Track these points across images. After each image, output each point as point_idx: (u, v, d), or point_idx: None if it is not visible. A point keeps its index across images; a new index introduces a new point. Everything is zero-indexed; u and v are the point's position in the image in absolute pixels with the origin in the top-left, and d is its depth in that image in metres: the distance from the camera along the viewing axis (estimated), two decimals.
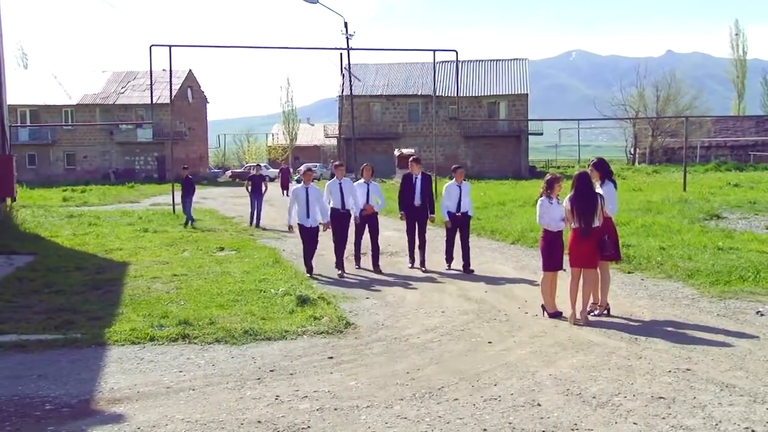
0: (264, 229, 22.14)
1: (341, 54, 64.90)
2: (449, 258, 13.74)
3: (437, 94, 63.20)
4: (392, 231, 19.40)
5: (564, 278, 10.24)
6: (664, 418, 6.00)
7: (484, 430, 5.81)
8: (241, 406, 6.46)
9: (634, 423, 5.90)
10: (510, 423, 5.95)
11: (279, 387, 6.99)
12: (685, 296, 10.86)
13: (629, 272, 12.94)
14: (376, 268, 13.78)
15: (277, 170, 47.59)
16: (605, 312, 9.83)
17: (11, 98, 43.27)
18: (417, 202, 13.90)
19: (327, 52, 74.96)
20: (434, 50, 34.73)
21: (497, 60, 71.37)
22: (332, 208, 13.60)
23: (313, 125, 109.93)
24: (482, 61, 71.25)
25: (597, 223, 9.45)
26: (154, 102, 43.78)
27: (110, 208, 32.28)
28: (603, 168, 10.06)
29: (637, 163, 72.02)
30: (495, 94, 66.95)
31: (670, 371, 7.25)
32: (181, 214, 24.43)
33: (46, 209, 29.35)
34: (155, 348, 8.41)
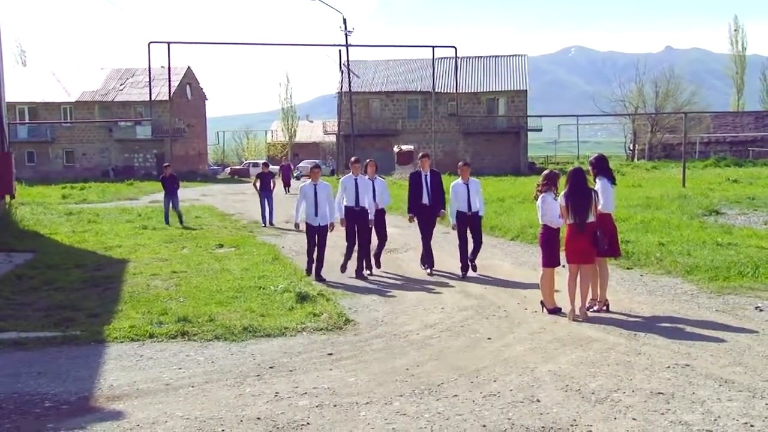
0: (276, 227, 21.99)
1: (340, 50, 64.77)
2: (465, 265, 12.76)
3: (436, 90, 63.11)
4: (392, 228, 19.39)
5: (563, 275, 10.23)
6: (663, 413, 6.00)
7: (484, 426, 5.81)
8: (240, 403, 6.46)
9: (633, 419, 5.90)
10: (509, 419, 5.95)
11: (278, 384, 6.99)
12: (684, 292, 10.87)
13: (628, 268, 12.95)
14: (376, 262, 13.58)
15: (277, 168, 47.59)
16: (604, 308, 9.84)
17: (10, 96, 43.24)
18: (427, 201, 13.17)
19: (326, 48, 75.00)
20: (433, 46, 34.68)
21: (496, 56, 71.30)
22: (347, 206, 13.02)
23: (312, 122, 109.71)
24: (481, 57, 71.17)
25: (592, 218, 9.46)
26: (152, 99, 43.73)
27: (109, 205, 32.26)
28: (599, 164, 10.08)
29: (636, 159, 71.99)
30: (494, 90, 66.88)
31: (669, 367, 7.25)
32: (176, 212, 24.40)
33: (45, 206, 29.34)
34: (154, 345, 8.41)
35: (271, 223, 22.80)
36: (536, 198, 10.01)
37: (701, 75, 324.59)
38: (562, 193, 9.55)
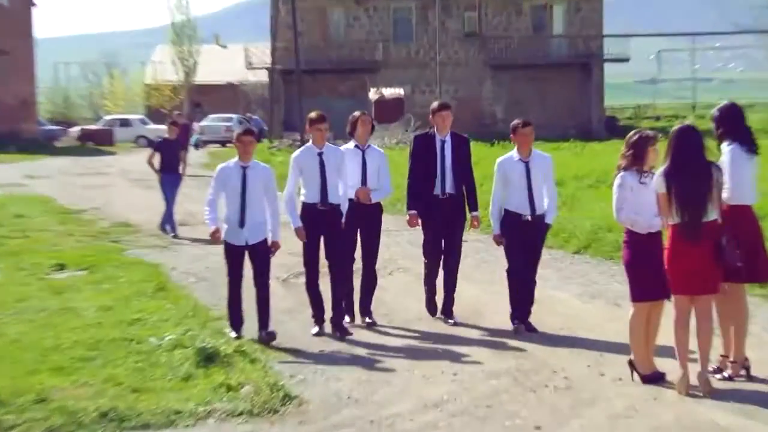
0: (176, 237, 21.72)
1: None
2: (515, 308, 12.45)
3: None
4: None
5: (670, 314, 10.26)
6: None
7: None
8: None
9: None
10: None
11: None
12: None
13: None
14: (366, 313, 13.08)
15: (156, 127, 47.09)
16: (742, 372, 9.87)
17: None
18: (444, 189, 12.89)
19: None
20: None
21: None
22: (305, 204, 12.50)
23: (225, 47, 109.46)
24: None
25: (714, 215, 9.49)
26: None
27: None
28: (728, 120, 10.10)
29: None
30: None
31: None
32: None
33: None
34: None
35: (172, 230, 22.10)
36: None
37: None
38: (660, 170, 9.54)
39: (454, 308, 13.09)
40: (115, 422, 8.77)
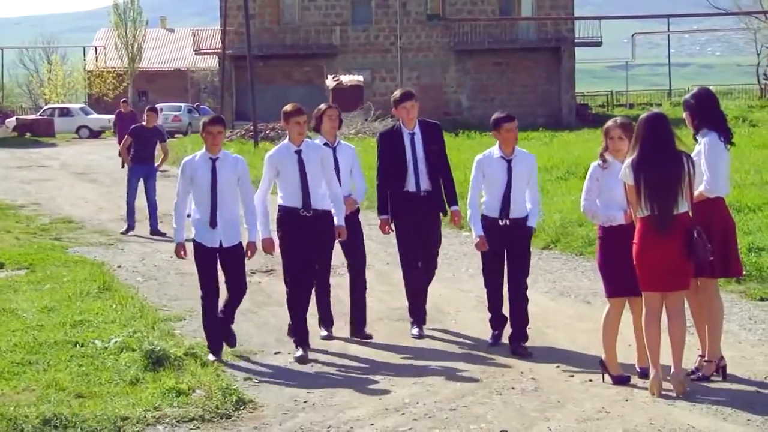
0: (161, 234, 21.43)
1: None
2: (496, 319, 11.94)
3: None
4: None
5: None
6: None
7: None
8: None
9: None
10: None
11: None
12: None
13: (762, 298, 13.18)
14: (360, 332, 12.38)
15: (112, 117, 46.60)
16: (716, 372, 9.96)
17: None
18: (418, 186, 12.34)
19: None
20: None
21: None
22: (283, 207, 11.75)
23: (172, 31, 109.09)
24: None
25: (684, 207, 9.56)
26: None
27: None
28: (701, 107, 10.14)
29: None
30: None
31: None
32: None
33: None
34: None
35: (155, 229, 21.69)
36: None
37: None
38: (628, 161, 9.62)
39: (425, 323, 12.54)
40: (58, 429, 8.76)
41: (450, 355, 11.32)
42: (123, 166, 37.47)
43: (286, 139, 11.91)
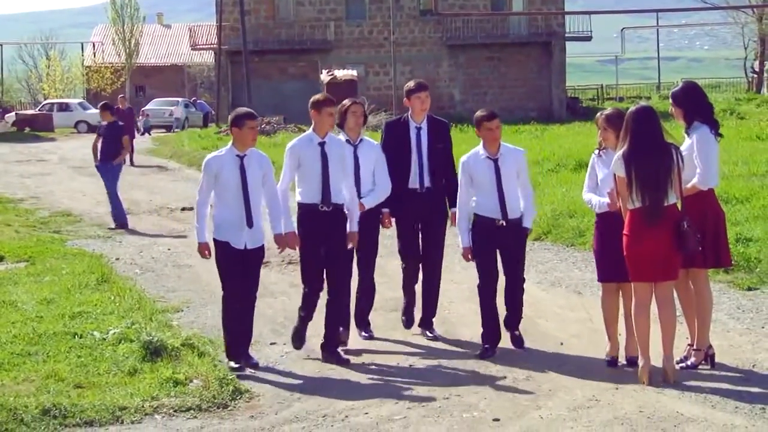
0: (112, 229, 21.41)
1: None
2: (489, 333, 11.19)
3: None
4: None
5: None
6: None
7: None
8: None
9: None
10: None
11: None
12: None
13: (750, 288, 13.20)
14: (364, 326, 11.95)
15: (97, 112, 46.16)
16: (705, 360, 9.98)
17: None
18: (422, 182, 11.85)
19: None
20: None
21: None
22: (302, 205, 11.17)
23: (168, 27, 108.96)
24: None
25: (673, 198, 9.58)
26: None
27: None
28: (689, 99, 10.13)
29: (765, 90, 72.98)
30: None
31: None
32: None
33: None
34: None
35: (123, 223, 21.53)
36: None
37: None
38: (619, 153, 9.64)
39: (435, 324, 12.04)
40: (57, 419, 8.78)
41: (443, 346, 11.34)
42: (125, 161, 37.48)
43: (310, 130, 11.18)
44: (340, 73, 56.56)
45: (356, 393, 9.67)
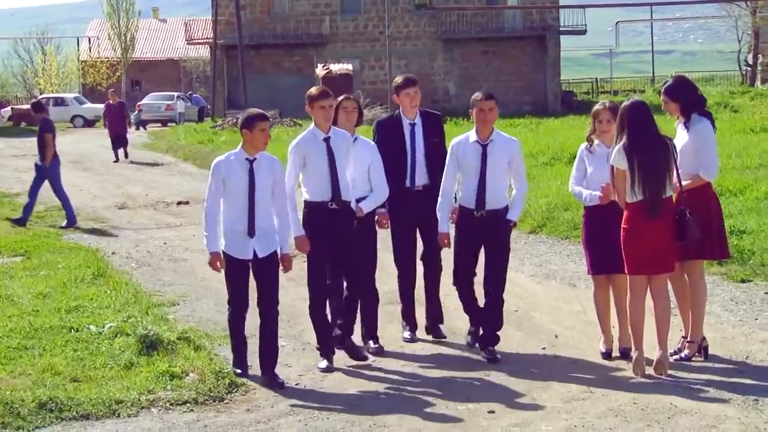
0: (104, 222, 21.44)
1: None
2: (473, 317, 10.96)
3: None
4: None
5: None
6: None
7: None
8: None
9: None
10: None
11: None
12: None
13: (743, 280, 13.22)
14: (371, 338, 11.04)
15: (102, 107, 46.11)
16: (698, 352, 10.01)
17: None
18: (417, 181, 11.34)
19: None
20: None
21: None
22: (310, 203, 10.54)
23: (164, 22, 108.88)
24: None
25: (670, 191, 9.61)
26: None
27: None
28: (685, 94, 10.12)
29: (759, 83, 72.91)
30: None
31: None
32: None
33: None
34: None
35: (73, 222, 21.30)
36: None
37: None
38: (619, 146, 9.62)
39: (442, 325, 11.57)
40: (54, 412, 8.81)
41: (438, 338, 11.33)
42: (115, 156, 37.39)
43: (312, 126, 10.59)
44: (336, 68, 56.43)
45: (352, 385, 9.70)
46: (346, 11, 67.79)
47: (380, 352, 10.83)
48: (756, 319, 11.42)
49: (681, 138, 9.97)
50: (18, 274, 15.09)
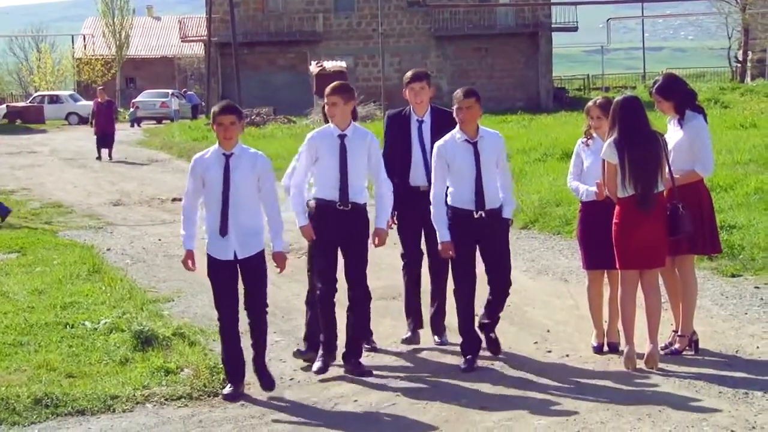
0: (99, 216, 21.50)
1: None
2: (469, 341, 10.17)
3: None
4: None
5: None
6: None
7: None
8: None
9: None
10: None
11: None
12: None
13: (734, 275, 13.24)
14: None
15: (85, 104, 45.51)
16: (689, 346, 10.02)
17: None
18: (421, 180, 10.78)
19: None
20: None
21: None
22: (318, 200, 10.07)
23: (158, 19, 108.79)
24: None
25: (661, 186, 9.62)
26: None
27: None
28: (677, 92, 10.12)
29: (749, 80, 73.01)
30: None
31: None
32: None
33: None
34: None
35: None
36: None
37: None
38: (610, 140, 9.63)
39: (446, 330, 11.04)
40: (49, 408, 8.82)
41: (430, 334, 11.20)
42: (98, 155, 36.99)
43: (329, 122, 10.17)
44: (329, 65, 56.42)
45: (345, 380, 9.69)
46: (339, 9, 67.79)
47: (373, 349, 10.69)
48: (746, 314, 11.43)
49: (674, 134, 9.97)
50: (13, 270, 15.10)
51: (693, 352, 9.95)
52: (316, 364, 9.93)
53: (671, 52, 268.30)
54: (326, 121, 10.32)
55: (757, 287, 12.60)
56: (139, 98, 69.14)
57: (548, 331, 11.15)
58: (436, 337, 10.91)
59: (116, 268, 15.41)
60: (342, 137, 9.91)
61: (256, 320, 9.43)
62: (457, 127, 10.02)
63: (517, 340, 10.84)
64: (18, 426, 8.52)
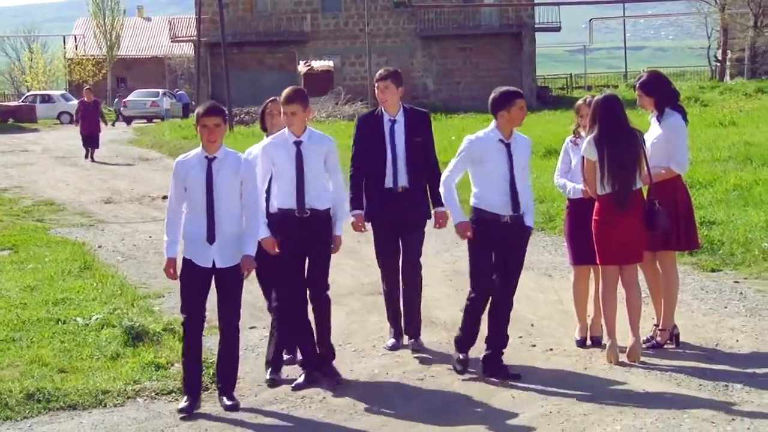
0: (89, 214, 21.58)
1: None
2: (466, 339, 9.81)
3: None
4: None
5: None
6: None
7: None
8: None
9: None
10: None
11: None
12: None
13: (714, 270, 13.33)
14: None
15: (77, 103, 44.88)
16: (670, 340, 10.05)
17: None
18: (397, 181, 10.40)
19: None
20: None
21: None
22: (278, 211, 9.55)
23: (149, 20, 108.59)
24: None
25: (639, 184, 9.64)
26: None
27: None
28: (659, 89, 10.15)
29: (728, 78, 73.16)
30: None
31: None
32: None
33: None
34: None
35: None
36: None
37: None
38: (590, 137, 9.66)
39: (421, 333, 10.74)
40: (41, 403, 8.83)
41: (423, 328, 11.24)
42: (87, 156, 36.70)
43: (274, 127, 9.91)
44: (317, 64, 56.58)
45: (333, 375, 9.65)
46: (326, 9, 67.84)
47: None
48: (725, 308, 11.48)
49: (653, 131, 10.02)
50: (6, 267, 15.10)
51: (674, 346, 9.99)
52: (300, 379, 9.45)
53: (652, 52, 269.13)
54: (264, 129, 10.16)
55: (737, 282, 12.68)
56: (129, 97, 69.00)
57: (532, 325, 11.18)
58: (416, 344, 10.51)
59: (107, 264, 15.41)
60: (298, 144, 9.40)
61: (225, 335, 9.02)
62: (492, 124, 9.59)
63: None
64: (10, 420, 8.51)
